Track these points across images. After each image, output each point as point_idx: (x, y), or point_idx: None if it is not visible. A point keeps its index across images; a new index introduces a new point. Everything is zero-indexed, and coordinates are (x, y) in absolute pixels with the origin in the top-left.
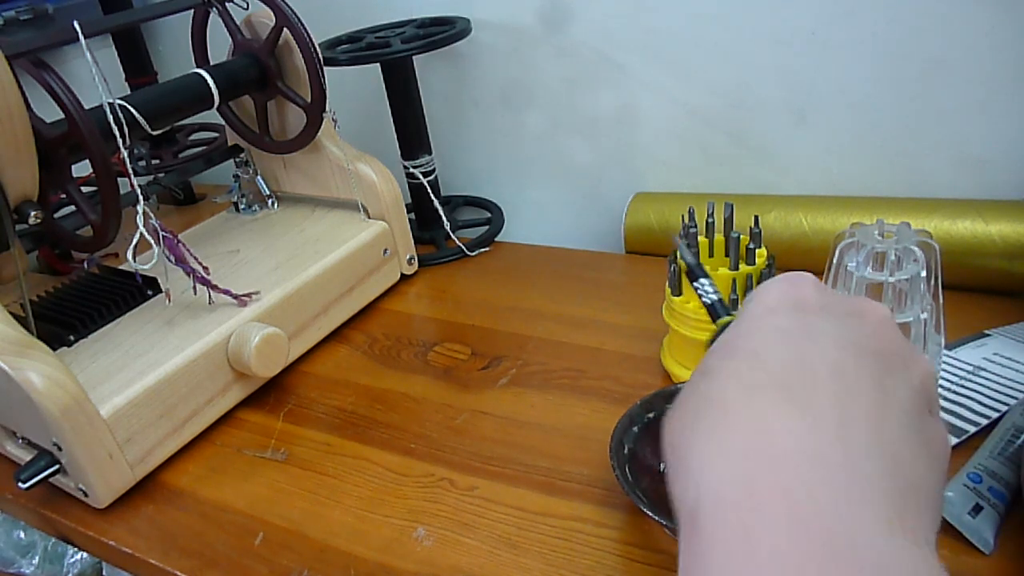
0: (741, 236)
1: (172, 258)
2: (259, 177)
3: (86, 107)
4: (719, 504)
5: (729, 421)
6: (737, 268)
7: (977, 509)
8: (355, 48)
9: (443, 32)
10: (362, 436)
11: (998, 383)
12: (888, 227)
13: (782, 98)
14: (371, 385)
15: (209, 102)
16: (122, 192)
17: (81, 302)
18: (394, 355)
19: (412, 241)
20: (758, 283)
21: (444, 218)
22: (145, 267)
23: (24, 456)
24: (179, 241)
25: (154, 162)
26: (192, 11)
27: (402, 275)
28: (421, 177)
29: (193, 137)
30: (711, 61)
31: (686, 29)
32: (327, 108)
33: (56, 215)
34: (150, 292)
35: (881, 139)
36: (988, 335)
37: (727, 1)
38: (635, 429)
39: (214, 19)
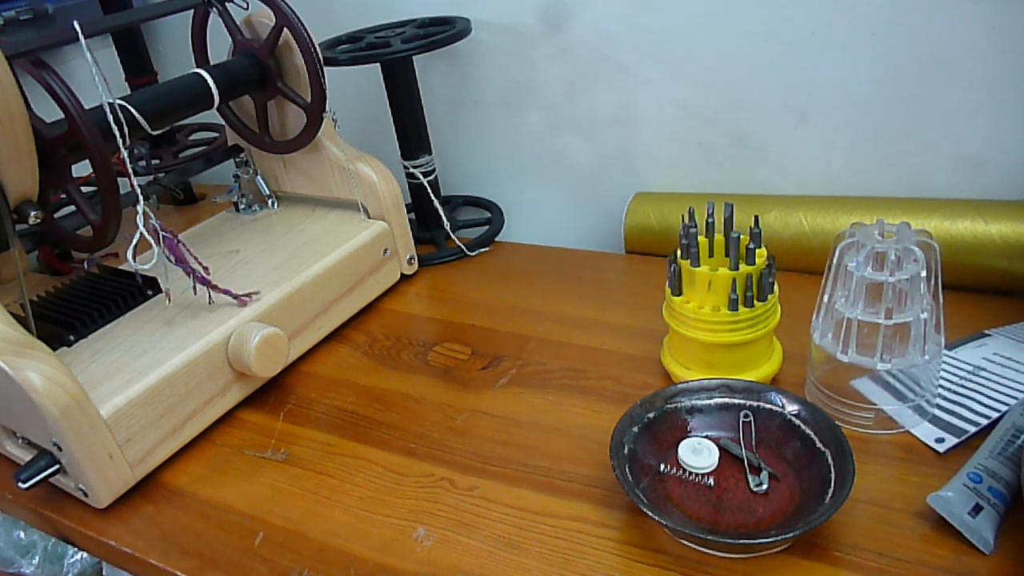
0: (741, 236)
1: (172, 258)
2: (259, 177)
3: (86, 107)
4: None
5: None
6: (737, 268)
7: (977, 509)
8: (355, 48)
9: (443, 32)
10: (362, 436)
11: (998, 383)
12: (888, 227)
13: (782, 98)
14: (371, 385)
15: (209, 102)
16: (122, 192)
17: (81, 302)
18: (394, 355)
19: (412, 241)
20: (758, 283)
21: (444, 218)
22: (145, 267)
23: (24, 456)
24: (179, 241)
25: (154, 162)
26: (192, 11)
27: (402, 275)
28: (421, 177)
29: (193, 137)
30: (711, 61)
31: (686, 29)
32: (327, 108)
33: (56, 215)
34: (150, 292)
35: (881, 139)
36: (988, 335)
37: (727, 1)
38: (635, 429)
39: (214, 19)
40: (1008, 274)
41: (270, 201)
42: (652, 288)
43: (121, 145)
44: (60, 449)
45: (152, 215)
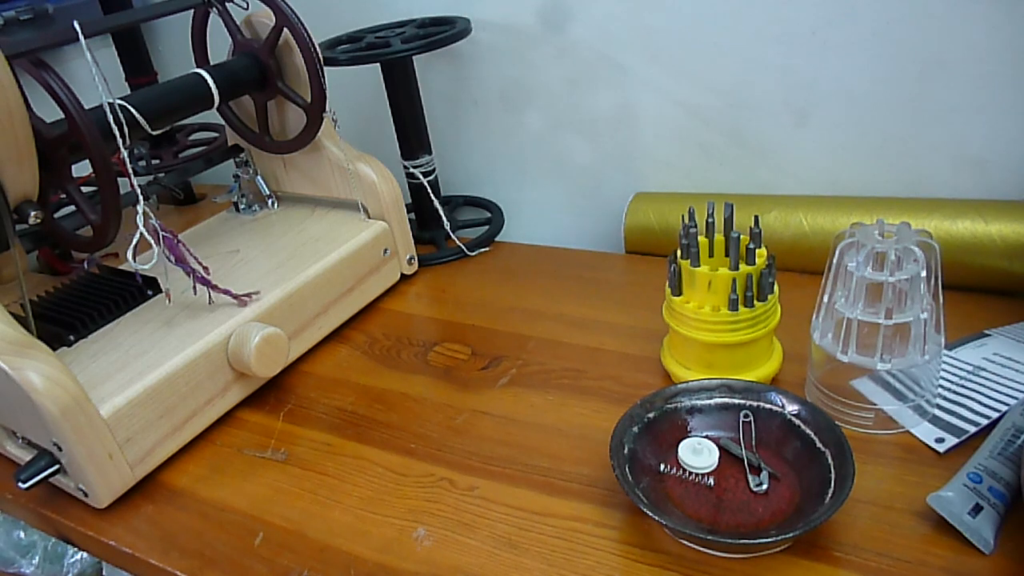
0: (741, 236)
1: (172, 258)
2: (259, 177)
3: (86, 107)
4: None
5: None
6: (737, 268)
7: (977, 509)
8: (355, 48)
9: (443, 32)
10: (362, 436)
11: (998, 383)
12: (888, 227)
13: (782, 98)
14: (371, 385)
15: (209, 102)
16: (122, 192)
17: (81, 302)
18: (394, 355)
19: (412, 241)
20: (758, 283)
21: (444, 218)
22: (145, 267)
23: (24, 456)
24: (179, 241)
25: (154, 162)
26: (192, 11)
27: (402, 275)
28: (421, 177)
29: (193, 137)
30: (711, 61)
31: (686, 29)
32: (327, 108)
33: (56, 215)
34: (150, 292)
35: (881, 139)
36: (988, 335)
37: (727, 1)
38: (635, 429)
39: (214, 19)
40: (1008, 274)
41: (270, 201)
42: (652, 288)
43: (121, 145)
44: (60, 449)
45: (152, 215)
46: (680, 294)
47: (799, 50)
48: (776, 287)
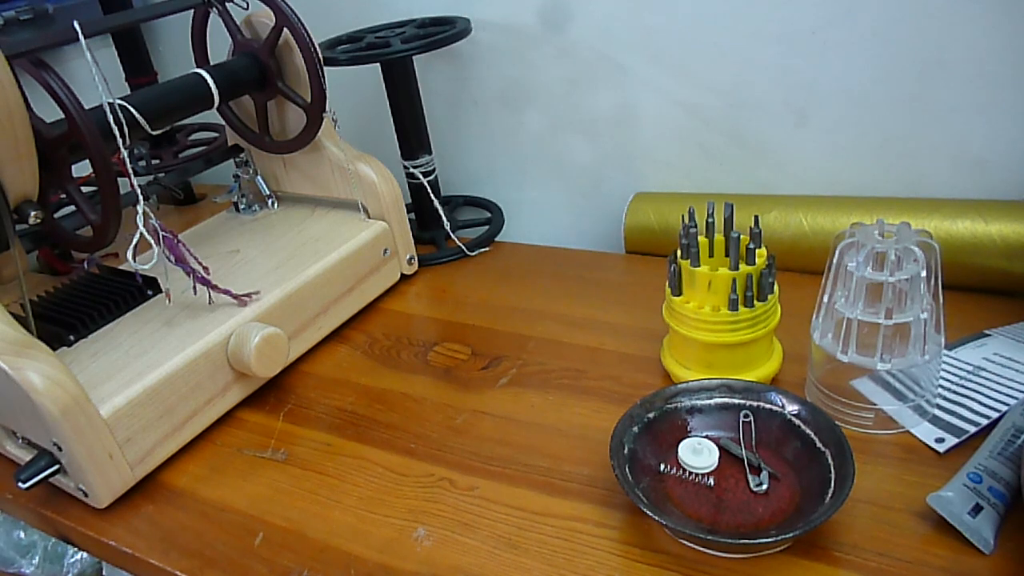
0: (741, 236)
1: (172, 258)
2: (259, 177)
3: (86, 107)
4: None
5: None
6: (737, 268)
7: (977, 509)
8: (355, 48)
9: (443, 32)
10: (362, 436)
11: (998, 383)
12: (888, 227)
13: (782, 98)
14: (371, 385)
15: (209, 102)
16: (122, 192)
17: (81, 302)
18: (394, 355)
19: (412, 241)
20: (758, 283)
21: (444, 218)
22: (145, 267)
23: (24, 456)
24: (179, 241)
25: (154, 162)
26: (192, 11)
27: (402, 275)
28: (421, 177)
29: (193, 137)
30: (711, 61)
31: (686, 29)
32: (327, 108)
33: (56, 215)
34: (150, 292)
35: (881, 139)
36: (988, 335)
37: (727, 1)
38: (635, 429)
39: (214, 19)
40: (1008, 274)
41: (270, 201)
42: (652, 288)
43: (121, 145)
44: (60, 449)
45: (152, 215)
46: (680, 294)
47: (799, 50)
48: (776, 287)
